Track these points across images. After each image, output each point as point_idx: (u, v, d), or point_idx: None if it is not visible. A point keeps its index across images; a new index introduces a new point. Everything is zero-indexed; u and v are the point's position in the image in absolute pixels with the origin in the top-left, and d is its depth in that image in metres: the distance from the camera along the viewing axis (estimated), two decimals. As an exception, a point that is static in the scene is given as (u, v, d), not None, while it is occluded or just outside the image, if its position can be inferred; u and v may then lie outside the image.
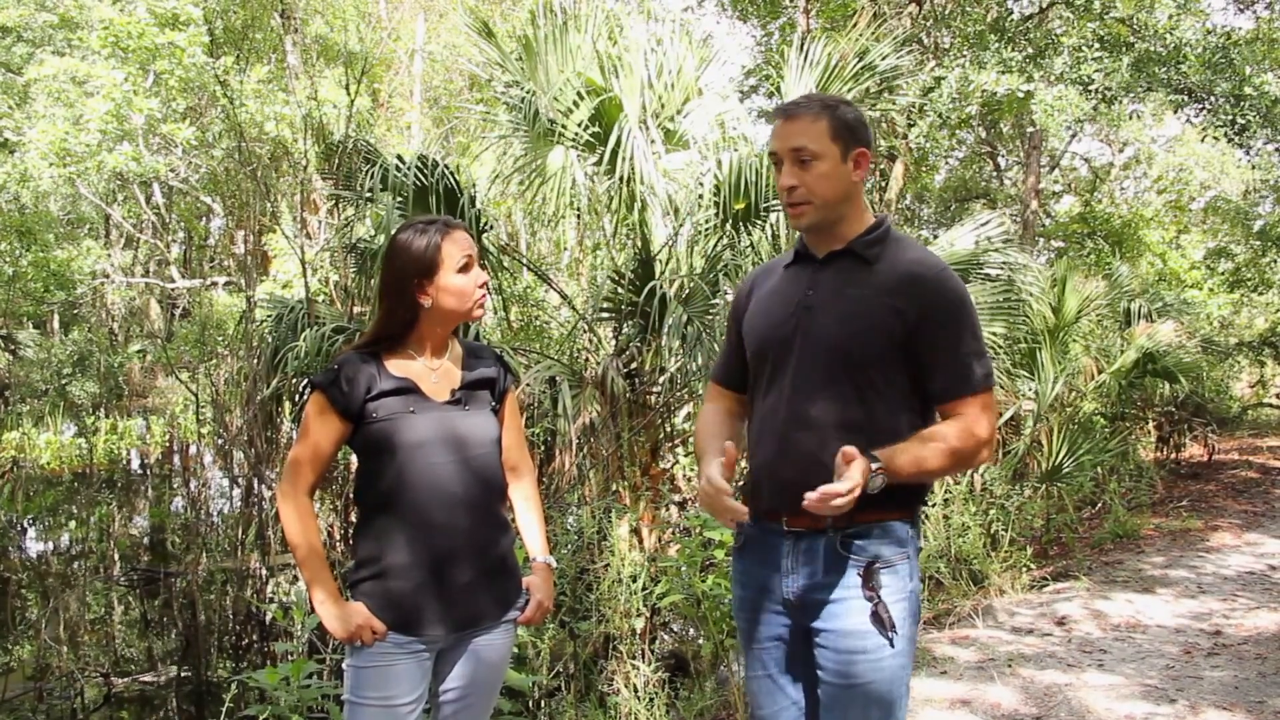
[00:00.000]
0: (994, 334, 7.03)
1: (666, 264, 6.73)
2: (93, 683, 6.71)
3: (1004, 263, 7.15)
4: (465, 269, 2.52)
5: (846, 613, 2.23)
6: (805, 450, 2.25)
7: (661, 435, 6.91)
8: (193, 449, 17.59)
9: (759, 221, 6.43)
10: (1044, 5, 12.08)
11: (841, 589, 2.24)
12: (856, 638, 2.22)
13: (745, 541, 2.46)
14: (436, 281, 2.50)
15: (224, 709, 3.90)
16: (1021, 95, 9.76)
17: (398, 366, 2.53)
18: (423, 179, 6.23)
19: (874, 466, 2.12)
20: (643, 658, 4.77)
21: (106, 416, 18.68)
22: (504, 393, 2.70)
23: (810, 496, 2.06)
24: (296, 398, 7.24)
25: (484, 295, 2.58)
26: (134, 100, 12.84)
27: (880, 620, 2.20)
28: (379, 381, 2.48)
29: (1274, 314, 18.13)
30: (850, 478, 2.07)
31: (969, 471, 7.05)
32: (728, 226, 6.46)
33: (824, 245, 2.38)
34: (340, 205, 7.81)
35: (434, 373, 2.56)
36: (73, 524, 12.63)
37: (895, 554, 2.26)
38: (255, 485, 9.99)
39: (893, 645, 2.21)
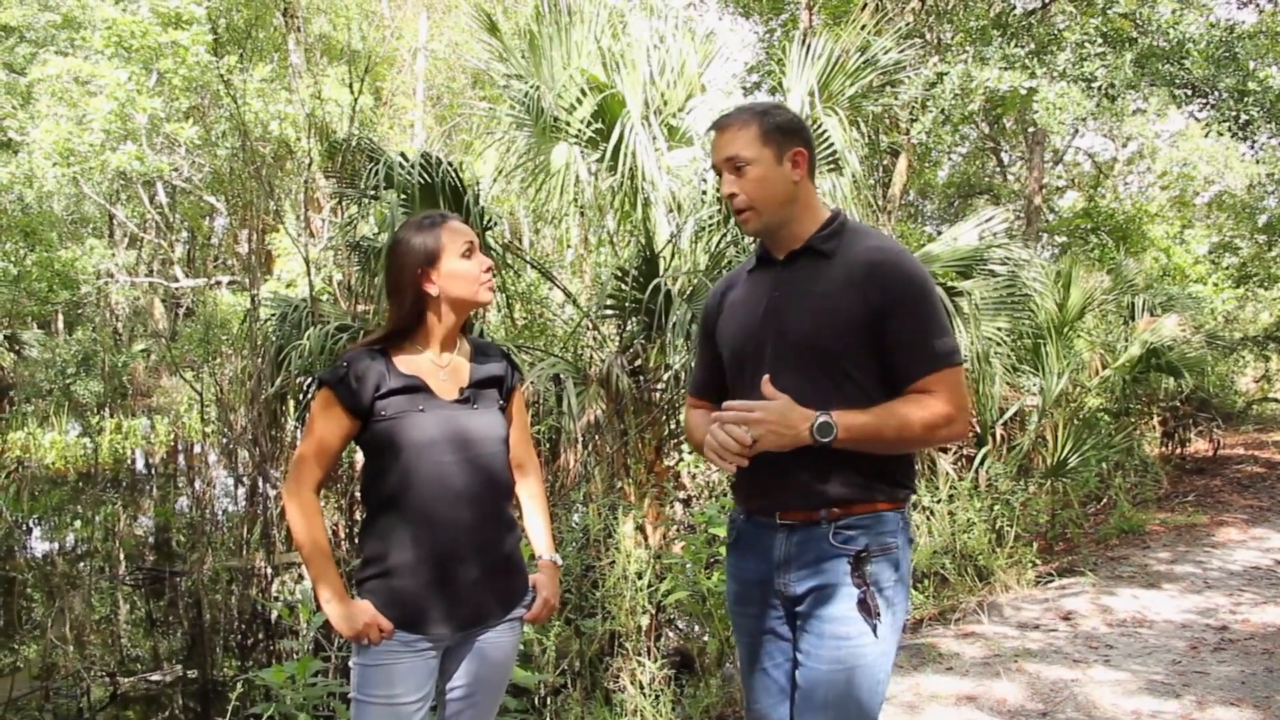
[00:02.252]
0: (998, 329, 7.03)
1: (670, 261, 6.72)
2: (99, 682, 6.72)
3: (1008, 258, 7.14)
4: (468, 254, 2.54)
5: (834, 599, 2.27)
6: (787, 450, 2.26)
7: (666, 432, 6.90)
8: (197, 448, 17.58)
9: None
10: (1046, 0, 12.05)
11: (832, 577, 2.28)
12: (841, 623, 2.26)
13: (738, 536, 2.50)
14: (440, 268, 2.51)
15: (230, 708, 3.90)
16: (1024, 92, 9.73)
17: (406, 364, 2.53)
18: (426, 177, 6.22)
19: (820, 415, 2.19)
20: (648, 655, 4.77)
21: (111, 416, 18.69)
22: (511, 390, 2.70)
23: (727, 404, 2.25)
24: (301, 396, 7.25)
25: (490, 279, 2.59)
26: (137, 100, 12.84)
27: (867, 608, 2.24)
28: (388, 379, 2.48)
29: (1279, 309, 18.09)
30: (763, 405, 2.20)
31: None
32: (731, 223, 6.45)
33: (782, 246, 2.44)
34: (344, 203, 7.81)
35: (442, 370, 2.56)
36: (78, 524, 12.63)
37: (885, 543, 2.29)
38: (260, 484, 9.98)
39: (875, 634, 2.25)
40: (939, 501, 6.89)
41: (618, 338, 7.02)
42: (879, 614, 2.25)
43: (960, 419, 2.28)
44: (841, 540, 2.28)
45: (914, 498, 2.49)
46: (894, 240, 2.43)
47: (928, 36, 12.14)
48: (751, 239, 6.53)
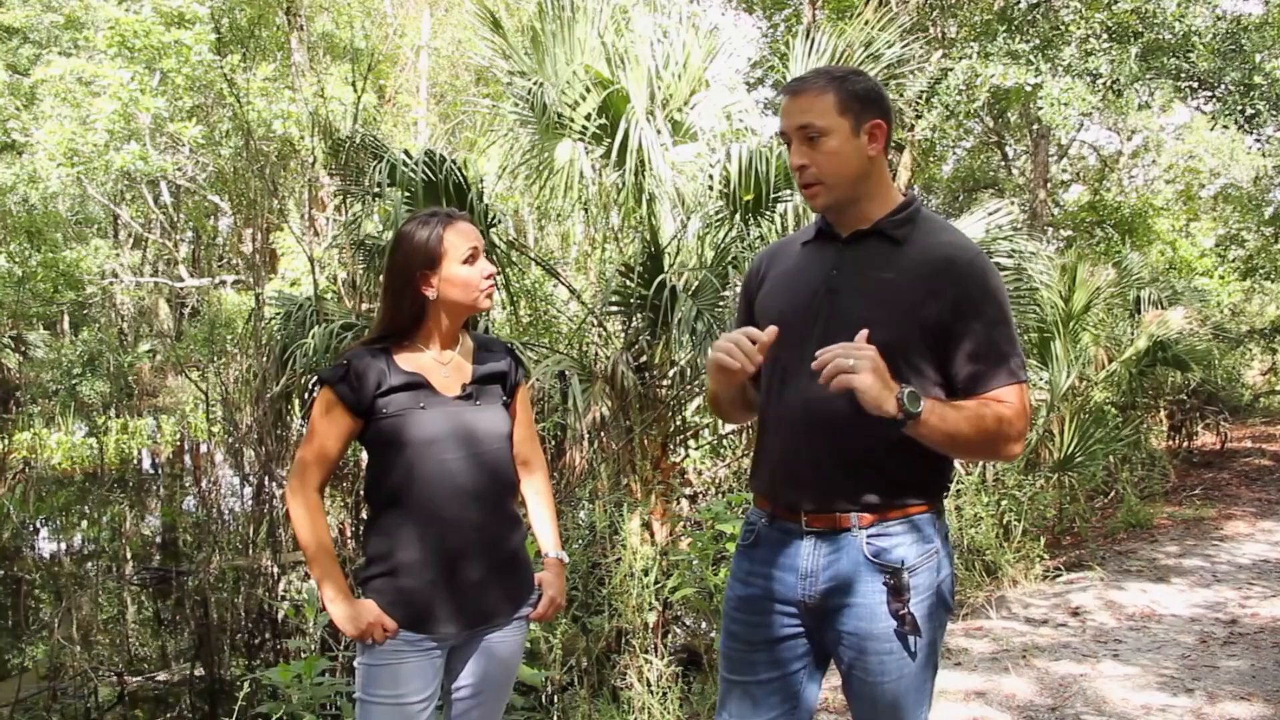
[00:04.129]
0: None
1: (675, 257, 6.70)
2: (106, 682, 6.73)
3: (1013, 251, 7.11)
4: (470, 260, 2.50)
5: (871, 617, 2.13)
6: (825, 444, 2.13)
7: (672, 429, 6.89)
8: (203, 448, 17.63)
9: (768, 212, 6.41)
10: (1051, -7, 12.01)
11: (866, 593, 2.13)
12: (883, 640, 2.13)
13: (757, 538, 2.29)
14: (440, 272, 2.48)
15: (237, 707, 3.89)
16: (1029, 88, 9.71)
17: (407, 361, 2.51)
18: (430, 174, 6.21)
19: (906, 388, 1.99)
20: (655, 652, 4.76)
21: (117, 416, 18.71)
22: (515, 386, 2.67)
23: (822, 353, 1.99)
24: (306, 395, 7.25)
25: (491, 286, 2.55)
26: (141, 99, 12.83)
27: (905, 628, 2.11)
28: (389, 377, 2.46)
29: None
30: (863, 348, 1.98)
31: (991, 462, 7.00)
32: (736, 218, 6.43)
33: (848, 224, 2.24)
34: (348, 202, 7.81)
35: (444, 367, 2.54)
36: (85, 524, 12.66)
37: (922, 553, 2.15)
38: (266, 483, 10.00)
39: (914, 656, 2.14)
40: (946, 496, 6.87)
41: (623, 334, 7.01)
42: (919, 630, 2.11)
43: (1023, 438, 2.13)
44: (874, 552, 2.12)
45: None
46: (970, 239, 2.23)
47: (932, 31, 12.10)
48: (759, 233, 6.54)
